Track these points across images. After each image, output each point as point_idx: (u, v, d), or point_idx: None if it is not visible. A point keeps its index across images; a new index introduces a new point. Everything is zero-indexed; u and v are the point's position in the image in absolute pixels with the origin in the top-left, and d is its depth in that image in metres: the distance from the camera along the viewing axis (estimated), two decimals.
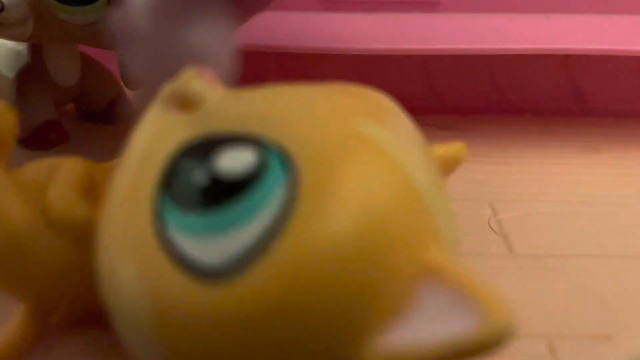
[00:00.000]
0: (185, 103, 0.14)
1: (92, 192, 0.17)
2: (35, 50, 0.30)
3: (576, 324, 0.20)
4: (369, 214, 0.12)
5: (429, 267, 0.13)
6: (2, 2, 0.25)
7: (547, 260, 0.22)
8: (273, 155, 0.13)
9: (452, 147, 0.18)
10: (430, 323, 0.12)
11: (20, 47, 0.31)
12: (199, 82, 0.14)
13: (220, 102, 0.14)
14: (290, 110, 0.14)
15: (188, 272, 0.13)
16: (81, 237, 0.16)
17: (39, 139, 0.29)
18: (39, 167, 0.18)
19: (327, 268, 0.12)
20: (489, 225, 0.24)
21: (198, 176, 0.13)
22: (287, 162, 0.13)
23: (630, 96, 0.33)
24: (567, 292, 0.21)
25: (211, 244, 0.13)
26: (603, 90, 0.33)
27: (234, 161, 0.13)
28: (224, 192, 0.13)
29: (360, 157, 0.13)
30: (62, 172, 0.17)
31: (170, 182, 0.13)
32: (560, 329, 0.19)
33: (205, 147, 0.13)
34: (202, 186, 0.13)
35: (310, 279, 0.12)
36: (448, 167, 0.18)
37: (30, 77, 0.30)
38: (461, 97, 0.33)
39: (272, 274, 0.12)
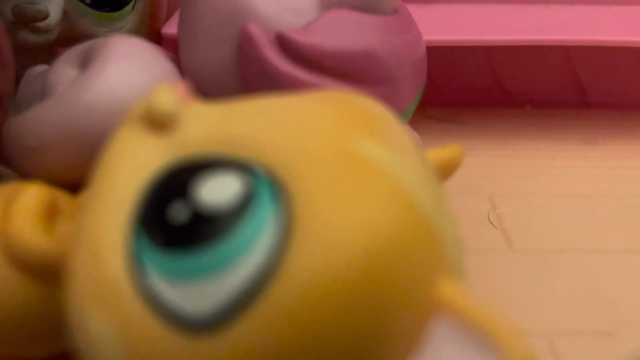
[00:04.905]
0: (158, 123, 0.12)
1: (55, 222, 0.15)
2: None
3: (577, 320, 0.19)
4: (374, 245, 0.11)
5: (442, 302, 0.11)
6: (47, 9, 0.25)
7: (547, 255, 0.22)
8: (261, 181, 0.11)
9: (448, 151, 0.16)
10: None
11: None
12: (172, 98, 0.12)
13: (197, 121, 0.12)
14: (276, 128, 0.12)
15: (173, 325, 0.11)
16: (45, 275, 0.14)
17: None
18: None
19: (332, 307, 0.11)
20: (489, 219, 0.24)
21: (177, 212, 0.11)
22: (277, 188, 0.11)
23: (631, 88, 0.32)
24: (568, 288, 0.21)
25: (197, 289, 0.11)
26: (603, 82, 0.32)
27: (218, 191, 0.11)
28: (209, 229, 0.11)
29: (359, 181, 0.11)
30: (22, 200, 0.15)
31: (146, 219, 0.12)
32: (561, 325, 0.19)
33: (184, 175, 0.12)
34: (182, 223, 0.11)
35: (313, 322, 0.10)
36: (445, 172, 0.16)
37: None
38: (460, 90, 0.33)
39: (269, 319, 0.11)
